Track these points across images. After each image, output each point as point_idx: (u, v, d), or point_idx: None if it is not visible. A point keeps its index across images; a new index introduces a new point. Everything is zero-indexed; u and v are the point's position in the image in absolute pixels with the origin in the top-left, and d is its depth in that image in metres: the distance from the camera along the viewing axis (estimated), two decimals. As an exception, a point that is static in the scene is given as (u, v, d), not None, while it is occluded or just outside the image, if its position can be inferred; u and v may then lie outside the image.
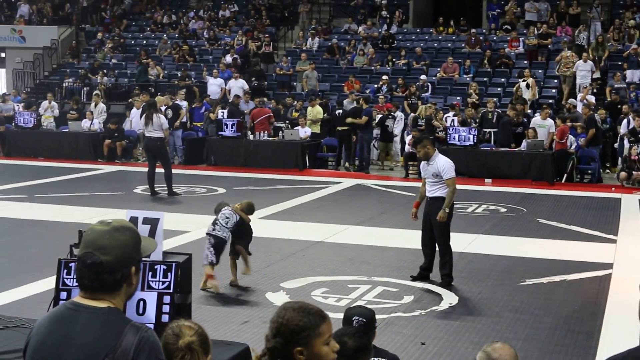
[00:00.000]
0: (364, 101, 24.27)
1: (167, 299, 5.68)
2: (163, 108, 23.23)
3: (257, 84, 29.53)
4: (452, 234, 11.32)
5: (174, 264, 5.75)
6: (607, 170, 22.77)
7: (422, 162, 11.60)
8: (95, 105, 26.83)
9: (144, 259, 3.48)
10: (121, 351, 3.14)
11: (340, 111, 24.02)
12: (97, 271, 3.24)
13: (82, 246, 3.31)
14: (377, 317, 5.83)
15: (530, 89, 25.93)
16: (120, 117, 26.56)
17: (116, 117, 26.28)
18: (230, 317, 9.47)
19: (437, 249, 11.43)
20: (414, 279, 11.36)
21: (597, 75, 26.88)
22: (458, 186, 20.01)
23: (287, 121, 24.85)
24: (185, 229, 14.25)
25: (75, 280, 5.76)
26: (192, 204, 17.55)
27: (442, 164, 11.24)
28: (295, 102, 26.07)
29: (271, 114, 24.84)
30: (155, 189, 18.47)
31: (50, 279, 7.91)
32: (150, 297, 5.67)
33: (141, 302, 5.67)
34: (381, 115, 23.90)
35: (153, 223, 5.95)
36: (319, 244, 13.55)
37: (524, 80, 26.24)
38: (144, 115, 18.72)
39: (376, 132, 24.06)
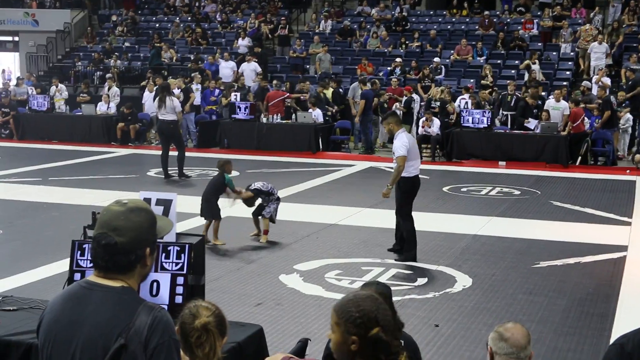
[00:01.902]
0: (361, 83, 24.27)
1: (180, 280, 5.70)
2: (176, 91, 23.22)
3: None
4: (465, 216, 11.29)
5: (187, 246, 5.76)
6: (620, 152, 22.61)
7: None
8: (109, 89, 26.86)
9: (158, 240, 3.47)
10: (134, 330, 3.14)
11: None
12: (111, 252, 3.23)
13: (97, 226, 3.31)
14: (390, 299, 5.80)
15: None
16: (134, 100, 26.56)
17: (129, 100, 26.29)
18: (244, 299, 9.48)
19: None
20: (390, 249, 11.85)
21: (609, 61, 26.63)
22: (472, 169, 20.39)
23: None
24: (198, 211, 14.22)
25: (89, 260, 5.80)
26: (205, 187, 17.50)
27: (396, 143, 11.45)
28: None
29: (288, 94, 24.89)
30: (169, 172, 18.50)
31: (64, 261, 7.94)
32: (164, 279, 5.68)
33: (155, 284, 5.69)
34: (406, 98, 23.88)
35: (166, 204, 5.96)
36: (332, 227, 13.54)
37: (534, 63, 26.11)
38: (157, 98, 18.72)
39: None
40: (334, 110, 24.40)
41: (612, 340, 8.09)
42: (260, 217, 12.68)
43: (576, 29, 28.81)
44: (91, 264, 5.68)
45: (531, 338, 4.21)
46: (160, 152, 18.99)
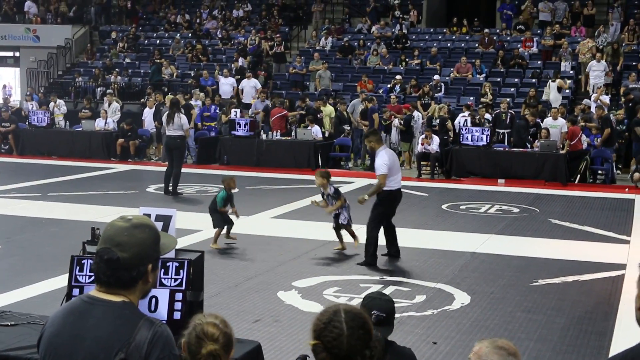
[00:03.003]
0: (367, 101, 24.36)
1: (179, 296, 5.71)
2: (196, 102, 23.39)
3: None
4: (464, 234, 11.38)
5: (186, 262, 5.77)
6: (618, 172, 22.63)
7: None
8: (109, 105, 26.92)
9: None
10: (135, 345, 3.16)
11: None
12: (113, 267, 3.25)
13: (100, 241, 3.33)
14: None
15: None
16: (134, 116, 26.62)
17: (130, 116, 26.35)
18: (242, 315, 9.48)
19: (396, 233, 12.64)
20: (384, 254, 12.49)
21: (608, 80, 26.65)
22: (471, 186, 20.44)
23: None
24: (197, 227, 14.27)
25: (88, 276, 5.81)
26: (204, 203, 17.52)
27: (377, 161, 12.11)
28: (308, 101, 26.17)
29: (286, 111, 25.01)
30: (169, 189, 18.49)
31: (64, 277, 7.94)
32: (163, 294, 5.69)
33: (153, 299, 5.69)
34: (405, 116, 23.95)
35: (166, 220, 5.97)
36: (331, 243, 13.54)
37: (553, 81, 26.12)
38: (166, 114, 18.76)
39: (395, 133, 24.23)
40: (348, 129, 24.31)
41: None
42: (340, 229, 12.96)
43: (575, 47, 28.92)
44: (90, 280, 5.72)
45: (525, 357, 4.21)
46: (164, 168, 18.95)
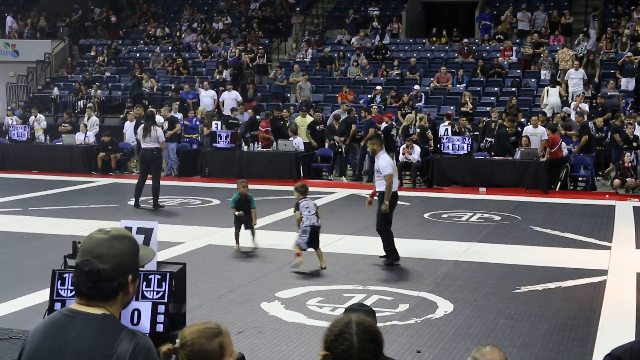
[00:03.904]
0: (365, 112, 24.39)
1: (161, 308, 5.68)
2: (160, 119, 23.32)
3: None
4: (446, 242, 11.54)
5: (168, 274, 5.75)
6: (599, 178, 22.76)
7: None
8: (88, 118, 26.87)
9: (139, 269, 3.48)
10: (116, 357, 3.15)
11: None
12: (94, 279, 3.24)
13: (80, 253, 3.31)
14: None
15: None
16: (114, 129, 26.55)
17: (110, 130, 26.29)
18: (225, 326, 9.42)
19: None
20: (382, 256, 13.10)
21: (588, 94, 26.68)
22: (453, 195, 20.52)
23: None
24: (179, 240, 14.24)
25: (70, 290, 5.78)
26: (186, 216, 17.56)
27: (381, 162, 12.80)
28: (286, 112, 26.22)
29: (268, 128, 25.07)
30: (140, 202, 18.41)
31: (45, 291, 7.90)
32: (145, 307, 5.67)
33: (135, 312, 5.67)
34: (386, 125, 24.01)
35: (147, 233, 5.96)
36: (314, 254, 13.49)
37: (553, 87, 26.25)
38: (141, 127, 18.74)
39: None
40: (341, 140, 24.24)
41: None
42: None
43: (554, 55, 29.10)
44: (72, 294, 5.69)
45: (510, 361, 4.23)
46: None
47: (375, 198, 13.17)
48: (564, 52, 28.53)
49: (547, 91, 26.17)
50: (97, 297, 3.26)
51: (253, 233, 13.89)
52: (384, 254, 13.10)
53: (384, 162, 12.77)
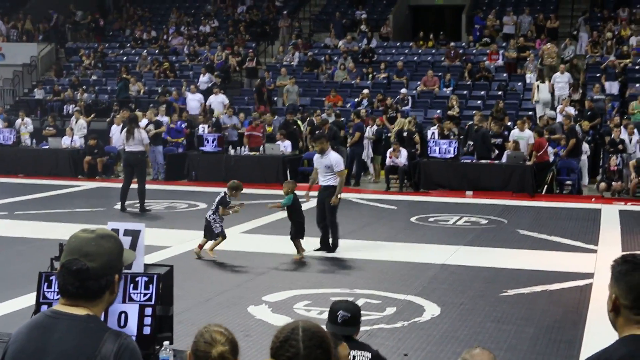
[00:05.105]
0: (355, 116, 24.42)
1: (148, 311, 5.68)
2: (145, 122, 23.26)
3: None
4: (433, 245, 11.67)
5: (155, 276, 5.74)
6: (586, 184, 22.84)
7: (316, 155, 14.02)
8: (76, 122, 26.78)
9: (126, 270, 3.49)
10: (100, 358, 3.14)
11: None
12: (82, 277, 3.23)
13: (66, 253, 3.30)
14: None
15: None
16: (100, 133, 26.48)
17: (97, 133, 26.21)
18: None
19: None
20: (317, 249, 13.83)
21: (576, 97, 26.70)
22: (440, 199, 20.56)
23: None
24: (166, 244, 14.22)
25: (56, 292, 5.76)
26: (173, 220, 17.52)
27: (335, 158, 13.72)
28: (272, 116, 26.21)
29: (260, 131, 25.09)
30: (126, 206, 18.35)
31: (32, 295, 7.86)
32: (132, 310, 5.66)
33: (122, 315, 5.66)
34: (377, 129, 24.05)
35: (134, 235, 5.95)
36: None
37: (542, 82, 26.35)
38: (124, 130, 18.68)
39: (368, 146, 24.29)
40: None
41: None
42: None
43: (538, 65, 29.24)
44: (58, 296, 5.67)
45: (498, 364, 4.24)
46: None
47: (314, 193, 14.14)
48: (549, 48, 28.70)
49: (538, 87, 26.27)
50: (83, 297, 3.25)
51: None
52: (318, 247, 13.93)
53: (337, 158, 13.80)
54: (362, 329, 7.77)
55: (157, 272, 5.81)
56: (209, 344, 4.06)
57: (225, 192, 13.68)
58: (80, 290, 3.25)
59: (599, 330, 9.52)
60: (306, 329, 3.17)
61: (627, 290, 3.29)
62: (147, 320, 5.64)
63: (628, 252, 3.47)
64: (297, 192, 13.80)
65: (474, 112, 25.01)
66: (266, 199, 20.05)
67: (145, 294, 5.70)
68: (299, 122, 25.42)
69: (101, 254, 3.27)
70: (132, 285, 5.67)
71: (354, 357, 5.59)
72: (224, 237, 13.51)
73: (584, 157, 22.59)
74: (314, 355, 3.09)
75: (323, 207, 13.84)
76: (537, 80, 26.92)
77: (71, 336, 3.19)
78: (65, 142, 25.76)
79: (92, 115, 28.95)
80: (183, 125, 26.12)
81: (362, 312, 9.96)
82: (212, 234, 13.44)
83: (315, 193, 14.25)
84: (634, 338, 3.25)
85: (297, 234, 13.50)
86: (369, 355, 5.66)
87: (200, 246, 13.48)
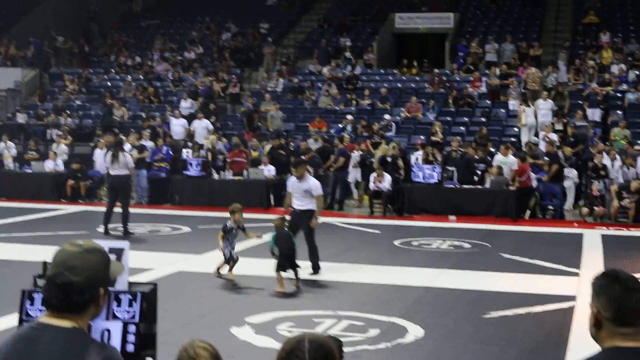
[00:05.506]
0: (339, 141, 24.52)
1: (132, 328, 5.65)
2: (128, 147, 23.25)
3: (220, 124, 29.72)
4: (417, 269, 11.80)
5: (139, 294, 5.73)
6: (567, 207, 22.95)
7: (293, 180, 14.36)
8: (58, 146, 26.76)
9: (109, 288, 3.49)
10: (85, 370, 3.13)
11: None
12: (67, 291, 3.23)
13: (52, 266, 3.30)
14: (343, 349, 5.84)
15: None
16: (84, 157, 26.44)
17: (80, 157, 26.18)
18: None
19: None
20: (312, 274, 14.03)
21: (560, 127, 26.81)
22: (423, 223, 20.62)
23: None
24: (149, 266, 14.19)
25: (39, 310, 5.73)
26: (156, 243, 17.49)
27: (313, 183, 14.19)
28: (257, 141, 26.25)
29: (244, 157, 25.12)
30: (109, 229, 18.31)
31: (14, 316, 7.83)
32: (115, 327, 5.63)
33: (106, 332, 5.63)
34: (362, 154, 24.16)
35: (118, 253, 5.92)
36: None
37: (528, 106, 26.59)
38: (109, 153, 18.68)
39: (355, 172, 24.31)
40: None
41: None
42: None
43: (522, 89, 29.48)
44: (42, 314, 5.65)
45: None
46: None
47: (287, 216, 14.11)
48: (533, 73, 29.01)
49: (525, 111, 26.47)
50: (68, 310, 3.25)
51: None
52: (315, 269, 14.08)
53: (316, 183, 14.30)
54: (345, 350, 7.78)
55: (141, 290, 5.80)
56: (192, 359, 4.08)
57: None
58: (65, 304, 3.25)
59: (581, 352, 9.54)
60: (313, 340, 3.17)
61: (607, 302, 3.32)
62: (131, 338, 5.61)
63: (608, 268, 3.52)
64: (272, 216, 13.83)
65: (458, 138, 25.16)
66: (249, 224, 20.02)
67: (128, 312, 5.69)
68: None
69: (86, 268, 3.27)
70: (115, 302, 5.65)
71: None
72: (230, 260, 13.65)
73: (570, 183, 22.71)
74: None
75: (297, 230, 14.00)
76: (521, 105, 27.11)
77: (55, 348, 3.18)
78: (49, 165, 25.70)
79: (71, 140, 28.84)
80: (169, 151, 26.08)
81: (346, 333, 10.04)
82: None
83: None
84: (617, 349, 3.28)
85: (280, 266, 12.99)
86: None
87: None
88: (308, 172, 14.59)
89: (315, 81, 32.92)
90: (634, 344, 3.28)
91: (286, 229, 13.34)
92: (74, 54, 38.84)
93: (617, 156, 22.77)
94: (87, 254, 3.31)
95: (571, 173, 22.69)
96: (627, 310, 3.28)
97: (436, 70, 32.51)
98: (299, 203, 14.12)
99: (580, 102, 28.36)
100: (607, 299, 3.33)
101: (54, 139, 28.66)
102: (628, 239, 18.69)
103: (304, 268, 14.13)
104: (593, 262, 15.45)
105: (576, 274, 14.26)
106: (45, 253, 13.58)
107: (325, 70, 33.34)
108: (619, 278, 3.35)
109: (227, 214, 21.53)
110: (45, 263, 6.67)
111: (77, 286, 3.23)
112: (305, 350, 3.15)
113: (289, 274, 13.03)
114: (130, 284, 6.07)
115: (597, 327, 3.38)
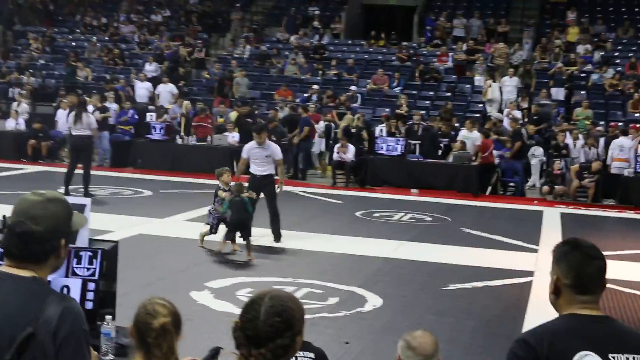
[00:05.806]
0: (303, 110, 24.45)
1: (91, 286, 5.63)
2: (91, 109, 22.96)
3: (187, 89, 29.50)
4: (377, 240, 12.06)
5: (99, 251, 5.70)
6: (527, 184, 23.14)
7: (252, 145, 14.09)
8: (18, 105, 26.43)
9: (70, 245, 3.44)
10: (44, 320, 3.08)
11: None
12: (26, 240, 3.19)
13: (13, 215, 3.27)
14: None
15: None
16: (46, 117, 26.14)
17: (42, 117, 25.88)
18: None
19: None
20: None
21: (525, 105, 26.91)
22: (385, 195, 20.65)
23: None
24: (109, 228, 14.10)
25: (2, 248, 5.67)
26: (117, 205, 17.37)
27: (274, 147, 14.22)
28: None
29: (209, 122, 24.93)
30: (70, 190, 18.14)
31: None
32: (75, 284, 5.60)
33: (65, 289, 5.60)
34: (326, 124, 24.11)
35: (80, 209, 5.88)
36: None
37: (494, 82, 26.69)
38: (72, 113, 18.46)
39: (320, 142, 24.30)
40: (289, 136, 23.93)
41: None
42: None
43: (489, 63, 29.57)
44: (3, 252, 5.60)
45: (439, 347, 4.30)
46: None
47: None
48: (500, 48, 29.19)
49: (491, 85, 26.59)
50: (28, 259, 3.21)
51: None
52: (276, 237, 14.15)
53: (276, 147, 14.34)
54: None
55: (101, 248, 5.76)
56: (151, 315, 4.07)
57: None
58: (25, 253, 3.21)
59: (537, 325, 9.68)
60: (274, 296, 3.17)
61: (567, 268, 3.36)
62: (90, 295, 5.60)
63: (569, 237, 3.55)
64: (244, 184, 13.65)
65: (422, 112, 25.22)
66: (212, 189, 19.98)
67: (89, 269, 5.66)
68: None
69: (47, 218, 3.23)
70: (75, 259, 5.63)
71: (296, 358, 5.42)
72: (211, 231, 13.32)
73: (536, 161, 22.86)
74: (271, 321, 3.09)
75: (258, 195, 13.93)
76: (488, 80, 27.23)
77: (14, 297, 3.14)
78: (10, 124, 25.38)
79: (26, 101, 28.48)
80: (135, 114, 25.75)
81: (305, 300, 10.05)
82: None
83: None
84: (575, 316, 3.32)
85: (226, 235, 12.96)
86: (312, 355, 5.46)
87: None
88: (269, 138, 14.76)
89: (283, 49, 32.76)
90: (590, 312, 3.32)
91: (242, 197, 13.01)
92: (38, 12, 38.24)
93: (580, 136, 22.95)
94: (49, 203, 3.27)
95: (537, 151, 22.85)
96: (586, 277, 3.32)
97: (404, 43, 32.46)
98: (259, 169, 14.01)
99: (545, 80, 28.51)
100: (568, 266, 3.36)
101: (15, 98, 28.29)
102: (586, 218, 18.90)
103: (265, 235, 14.17)
104: (552, 239, 15.53)
105: (535, 250, 14.42)
106: (5, 211, 13.44)
107: (292, 38, 33.17)
108: (579, 245, 3.39)
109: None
110: (4, 216, 6.62)
111: (37, 235, 3.19)
112: (262, 304, 3.15)
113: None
114: (91, 241, 6.03)
115: (556, 294, 3.42)
